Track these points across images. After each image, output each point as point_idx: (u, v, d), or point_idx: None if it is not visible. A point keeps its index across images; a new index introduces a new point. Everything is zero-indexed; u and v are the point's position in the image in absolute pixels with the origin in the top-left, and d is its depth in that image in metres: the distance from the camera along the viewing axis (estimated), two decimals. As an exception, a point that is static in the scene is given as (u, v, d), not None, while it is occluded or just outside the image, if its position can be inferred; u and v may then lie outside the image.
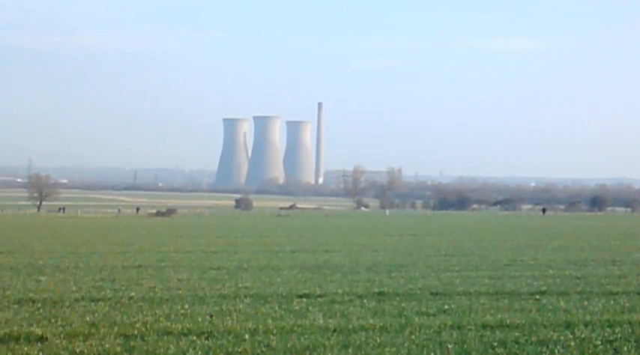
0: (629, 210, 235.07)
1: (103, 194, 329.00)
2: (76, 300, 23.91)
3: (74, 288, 26.82)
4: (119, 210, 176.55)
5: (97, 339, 17.70)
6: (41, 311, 21.78)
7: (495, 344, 17.35)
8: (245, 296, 24.77)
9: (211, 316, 20.77)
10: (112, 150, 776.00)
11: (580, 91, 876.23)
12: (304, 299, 24.10)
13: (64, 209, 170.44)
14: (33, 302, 23.53)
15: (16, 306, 22.73)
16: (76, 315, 20.90)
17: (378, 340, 17.66)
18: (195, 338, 17.93)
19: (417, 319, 20.35)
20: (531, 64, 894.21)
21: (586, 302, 23.53)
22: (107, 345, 17.05)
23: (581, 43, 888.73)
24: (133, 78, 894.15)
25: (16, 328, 18.88)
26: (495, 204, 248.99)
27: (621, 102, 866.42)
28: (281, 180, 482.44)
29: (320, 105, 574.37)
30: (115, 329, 18.86)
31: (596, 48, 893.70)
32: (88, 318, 20.37)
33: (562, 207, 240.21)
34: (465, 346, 17.12)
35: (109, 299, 24.22)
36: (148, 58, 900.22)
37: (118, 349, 16.72)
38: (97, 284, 28.27)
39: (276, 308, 22.34)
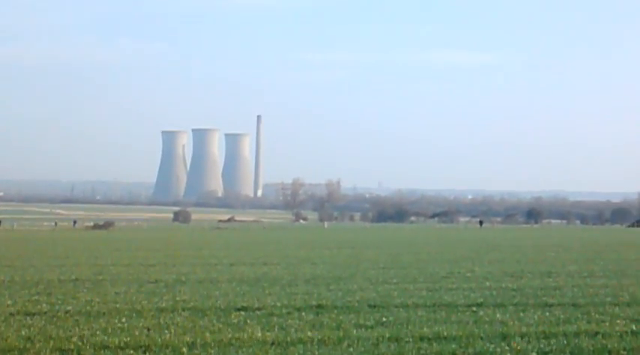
0: (564, 222, 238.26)
1: (39, 207, 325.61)
2: (11, 314, 23.63)
3: (9, 302, 26.50)
4: (56, 223, 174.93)
5: (33, 354, 17.53)
6: (-24, 325, 21.49)
7: (432, 356, 17.47)
8: (183, 310, 24.66)
9: (149, 330, 20.66)
10: (48, 163, 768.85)
11: (517, 105, 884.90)
12: (242, 313, 24.07)
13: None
14: (-33, 316, 23.22)
15: (-51, 321, 22.40)
16: (11, 330, 20.66)
17: (317, 353, 17.70)
18: (132, 352, 17.83)
19: (355, 331, 20.41)
20: (469, 77, 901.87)
21: (522, 314, 23.76)
22: (43, 360, 16.90)
23: (520, 57, 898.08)
24: (70, 89, 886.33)
25: (-51, 343, 18.62)
26: (433, 216, 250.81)
27: (557, 116, 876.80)
28: (220, 193, 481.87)
29: (259, 117, 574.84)
30: (51, 343, 18.68)
31: (533, 62, 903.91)
32: (23, 332, 20.15)
33: (499, 219, 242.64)
34: (403, 358, 17.21)
35: (45, 313, 23.98)
36: (86, 69, 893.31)
37: (54, 363, 16.58)
38: (32, 298, 27.95)
39: (215, 321, 22.28)
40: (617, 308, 25.28)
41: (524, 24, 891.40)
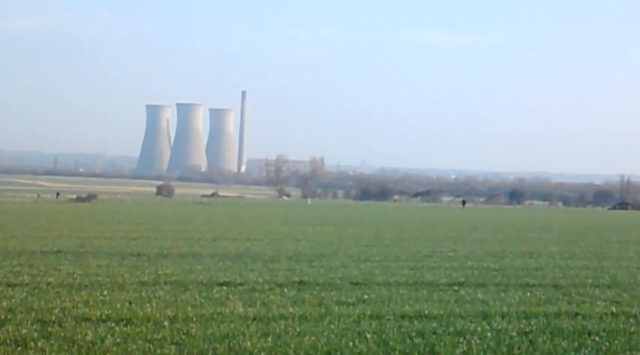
0: (546, 203, 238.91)
1: (22, 178, 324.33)
2: (-7, 285, 23.61)
3: (-9, 273, 26.46)
4: (38, 195, 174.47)
5: (14, 325, 17.51)
6: (-43, 296, 21.45)
7: (413, 334, 17.51)
8: (165, 284, 24.68)
9: (130, 303, 20.66)
10: (31, 135, 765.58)
11: (501, 86, 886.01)
12: (224, 288, 24.09)
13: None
14: (-52, 286, 23.17)
15: None
16: (-7, 301, 20.64)
17: (298, 329, 17.73)
18: (113, 324, 17.83)
19: (336, 308, 20.46)
20: (454, 57, 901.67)
21: (503, 294, 23.86)
22: (24, 331, 16.87)
23: (504, 39, 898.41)
24: (54, 60, 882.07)
25: None
26: (416, 195, 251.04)
27: (540, 98, 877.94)
28: (203, 168, 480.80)
29: (244, 93, 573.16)
30: (33, 315, 18.67)
31: (517, 44, 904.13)
32: (5, 304, 20.13)
33: (482, 199, 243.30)
34: (384, 336, 17.26)
35: (27, 284, 23.95)
36: (71, 41, 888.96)
37: (36, 335, 16.55)
38: (14, 269, 27.92)
39: (196, 295, 22.30)
40: (597, 290, 25.42)
41: (510, 5, 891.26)
